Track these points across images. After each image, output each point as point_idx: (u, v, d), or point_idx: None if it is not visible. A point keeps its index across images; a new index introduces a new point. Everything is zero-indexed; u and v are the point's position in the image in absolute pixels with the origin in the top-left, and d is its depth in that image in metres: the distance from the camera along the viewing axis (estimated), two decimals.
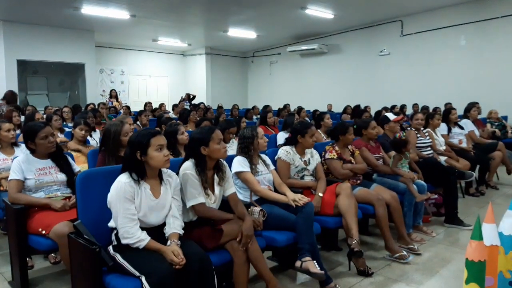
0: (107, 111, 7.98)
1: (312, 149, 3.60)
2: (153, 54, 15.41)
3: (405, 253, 3.45)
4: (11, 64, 10.69)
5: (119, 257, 2.19)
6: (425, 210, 4.51)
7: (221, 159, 2.65)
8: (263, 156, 3.29)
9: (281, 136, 5.10)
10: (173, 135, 3.79)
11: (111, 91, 12.22)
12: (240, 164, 3.04)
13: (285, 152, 3.39)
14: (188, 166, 2.49)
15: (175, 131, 3.79)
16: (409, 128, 5.17)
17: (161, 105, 11.81)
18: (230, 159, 3.12)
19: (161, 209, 2.33)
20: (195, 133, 2.60)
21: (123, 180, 2.21)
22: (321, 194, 3.27)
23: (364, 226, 4.15)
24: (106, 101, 12.42)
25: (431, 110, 8.81)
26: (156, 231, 2.30)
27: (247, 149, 3.10)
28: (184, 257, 2.15)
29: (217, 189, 2.60)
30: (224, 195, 2.66)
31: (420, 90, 11.56)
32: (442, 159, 5.33)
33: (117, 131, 3.34)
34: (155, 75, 15.48)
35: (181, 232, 2.33)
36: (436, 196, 4.74)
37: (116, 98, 12.12)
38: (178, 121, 5.56)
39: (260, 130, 3.16)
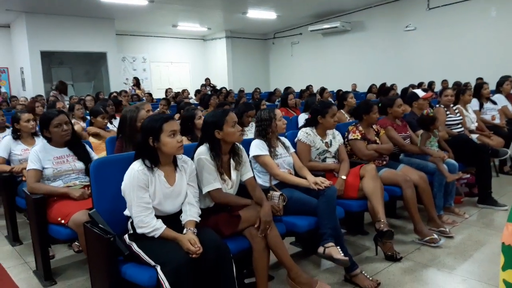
0: (129, 99, 7.97)
1: (334, 130, 3.45)
2: (174, 40, 15.35)
3: (435, 236, 3.29)
4: (35, 55, 10.83)
5: (134, 246, 2.13)
6: (456, 191, 4.31)
7: (237, 143, 2.54)
8: (283, 138, 3.17)
9: (302, 118, 4.94)
10: (190, 119, 3.70)
11: (133, 79, 12.26)
12: (258, 147, 2.93)
13: (305, 134, 3.25)
14: (202, 151, 2.39)
15: (192, 115, 3.70)
16: (437, 105, 4.91)
17: (183, 91, 11.77)
18: (248, 143, 3.02)
19: (176, 196, 2.25)
20: (208, 116, 2.50)
21: (136, 167, 2.13)
22: (344, 177, 3.13)
23: (392, 209, 3.98)
24: (129, 89, 12.52)
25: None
26: (172, 219, 2.23)
27: (265, 132, 2.98)
28: (200, 245, 2.08)
29: (233, 174, 2.50)
30: (242, 180, 2.56)
31: (448, 66, 11.06)
32: (474, 136, 5.06)
33: (133, 117, 3.29)
34: (176, 62, 15.44)
35: (198, 219, 2.25)
36: (468, 175, 4.50)
37: (138, 85, 12.16)
38: (197, 106, 5.50)
39: (278, 112, 3.03)
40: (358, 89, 12.96)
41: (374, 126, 3.80)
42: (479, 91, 5.76)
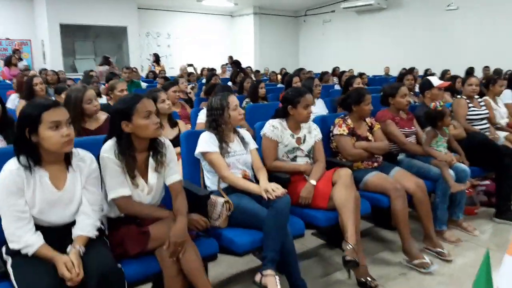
0: (132, 75, 7.57)
1: (311, 123, 2.87)
2: (200, 16, 14.83)
3: (426, 260, 2.67)
4: (55, 28, 10.69)
5: (9, 263, 1.71)
6: (470, 200, 3.63)
7: (160, 138, 2.04)
8: (242, 131, 2.62)
9: None
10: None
11: (152, 55, 11.93)
12: (205, 142, 2.41)
13: (271, 128, 2.69)
14: (107, 148, 1.91)
15: (154, 98, 3.22)
16: (459, 96, 4.17)
17: (203, 69, 11.31)
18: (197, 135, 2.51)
19: (67, 203, 1.79)
20: (117, 103, 2.01)
21: (8, 167, 1.68)
22: (313, 182, 2.56)
23: (386, 217, 3.36)
24: (149, 65, 12.23)
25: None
26: (62, 232, 1.78)
27: (216, 124, 2.45)
28: (82, 270, 1.62)
29: (152, 176, 2.01)
30: (166, 184, 2.07)
31: (494, 51, 9.91)
32: (502, 134, 4.28)
33: (78, 97, 2.85)
34: (202, 38, 14.93)
35: (91, 234, 1.78)
36: (487, 182, 3.80)
37: (158, 62, 11.81)
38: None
39: (233, 99, 2.48)
40: (391, 73, 12.04)
41: (367, 119, 3.18)
42: None
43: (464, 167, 3.21)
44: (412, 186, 2.87)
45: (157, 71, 11.34)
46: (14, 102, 5.00)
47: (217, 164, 2.37)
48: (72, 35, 12.38)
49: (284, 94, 2.81)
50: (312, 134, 2.80)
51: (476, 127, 4.05)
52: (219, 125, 2.44)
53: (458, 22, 10.76)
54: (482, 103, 4.24)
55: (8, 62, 9.70)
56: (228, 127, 2.48)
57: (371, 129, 3.15)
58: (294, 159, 2.73)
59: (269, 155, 2.67)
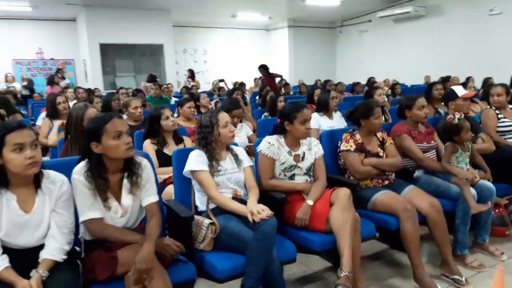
0: (160, 92, 7.68)
1: (312, 139, 2.70)
2: (236, 31, 14.95)
3: None
4: (95, 48, 11.15)
5: None
6: (501, 220, 3.29)
7: (137, 158, 1.97)
8: (237, 149, 2.51)
9: (315, 119, 4.15)
10: (156, 120, 3.21)
11: (187, 70, 12.13)
12: (194, 160, 2.32)
13: (267, 144, 2.56)
14: (77, 169, 1.86)
15: (157, 116, 3.20)
16: (488, 107, 3.84)
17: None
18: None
19: (35, 227, 1.75)
20: (87, 123, 1.96)
21: None
22: (311, 202, 2.39)
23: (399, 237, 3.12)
24: (185, 81, 12.44)
25: None
26: (30, 255, 1.74)
27: (205, 141, 2.36)
28: None
29: (126, 198, 1.93)
30: (142, 205, 1.99)
31: None
32: None
33: (79, 116, 2.86)
34: (238, 53, 15.03)
35: (58, 258, 1.73)
36: None
37: (193, 77, 11.99)
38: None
39: (223, 117, 2.37)
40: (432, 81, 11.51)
41: (378, 134, 2.97)
42: None
43: (489, 185, 2.91)
44: (426, 206, 2.63)
45: (191, 86, 11.54)
46: (41, 120, 5.21)
47: (205, 184, 2.27)
48: (113, 54, 12.87)
49: (281, 109, 2.68)
50: (312, 151, 2.64)
51: (510, 140, 3.71)
52: (208, 143, 2.35)
53: (503, 27, 10.10)
54: None
55: (51, 81, 10.21)
56: (219, 145, 2.37)
57: (382, 144, 2.94)
58: (292, 177, 2.58)
59: (264, 173, 2.53)
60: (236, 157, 2.45)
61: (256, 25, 15.25)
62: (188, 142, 3.35)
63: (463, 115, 2.97)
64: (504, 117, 3.76)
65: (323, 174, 2.59)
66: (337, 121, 4.20)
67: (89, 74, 11.48)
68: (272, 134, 2.67)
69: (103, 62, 12.08)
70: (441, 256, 2.69)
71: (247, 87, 12.36)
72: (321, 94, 4.33)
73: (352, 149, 2.81)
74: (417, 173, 3.11)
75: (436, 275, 2.68)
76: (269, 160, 2.53)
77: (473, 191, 2.81)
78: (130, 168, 1.94)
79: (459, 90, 3.43)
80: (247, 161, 2.48)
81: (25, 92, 11.19)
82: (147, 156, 2.20)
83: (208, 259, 2.06)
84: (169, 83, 11.35)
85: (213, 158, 2.34)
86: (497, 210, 3.30)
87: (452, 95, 3.45)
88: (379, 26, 13.49)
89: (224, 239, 2.14)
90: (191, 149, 2.43)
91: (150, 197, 1.98)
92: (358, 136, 2.89)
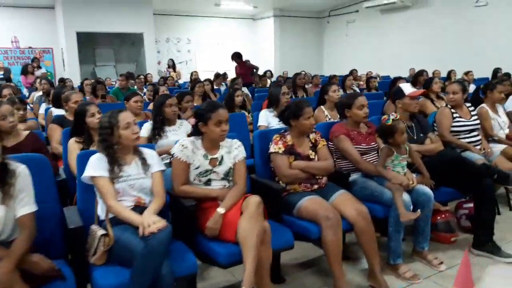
0: (127, 83, 7.44)
1: (234, 141, 2.52)
2: (221, 20, 14.67)
3: None
4: (71, 36, 10.89)
5: None
6: (447, 226, 3.13)
7: (11, 165, 1.79)
8: (147, 152, 2.33)
9: (264, 116, 3.96)
10: (81, 117, 3.01)
11: (168, 60, 11.89)
12: (92, 165, 2.14)
13: (180, 147, 2.37)
14: None
15: (82, 112, 3.00)
16: (444, 105, 3.66)
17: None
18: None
19: None
20: None
21: None
22: (222, 210, 2.22)
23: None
24: (164, 71, 12.22)
25: None
26: None
27: (106, 144, 2.18)
28: None
29: None
30: (16, 216, 1.81)
31: None
32: (497, 149, 3.73)
33: None
34: (223, 42, 14.74)
35: None
36: (471, 204, 3.27)
37: (174, 67, 11.76)
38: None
39: (124, 117, 2.19)
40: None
41: (311, 136, 2.79)
42: None
43: (426, 190, 2.74)
44: (352, 214, 2.46)
45: (175, 77, 11.29)
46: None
47: (103, 191, 2.10)
48: (93, 43, 12.62)
49: (196, 109, 2.49)
50: (232, 154, 2.45)
51: (464, 140, 3.55)
52: (109, 146, 2.17)
53: (488, 19, 9.89)
54: (474, 112, 3.70)
55: (25, 71, 9.99)
56: (121, 148, 2.19)
57: (314, 146, 2.76)
58: (208, 183, 2.39)
59: (176, 178, 2.35)
60: (144, 161, 2.27)
61: (242, 14, 14.98)
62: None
63: (398, 116, 2.78)
64: (460, 116, 3.59)
65: (242, 179, 2.41)
66: None
67: (66, 64, 11.23)
68: (189, 135, 2.49)
69: (83, 51, 11.85)
70: (368, 267, 2.53)
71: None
72: (272, 89, 4.13)
73: (281, 151, 2.63)
74: (355, 176, 2.93)
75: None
76: (182, 164, 2.35)
77: (408, 197, 2.64)
78: (2, 177, 1.76)
79: (406, 88, 3.24)
80: (157, 166, 2.30)
81: (1, 82, 10.98)
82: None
83: (94, 275, 1.90)
84: (148, 73, 11.13)
85: (114, 163, 2.16)
86: (443, 215, 3.14)
87: (399, 94, 3.25)
88: (366, 16, 13.25)
89: (116, 251, 1.98)
90: (92, 152, 2.25)
91: (24, 207, 1.80)
92: (288, 138, 2.71)
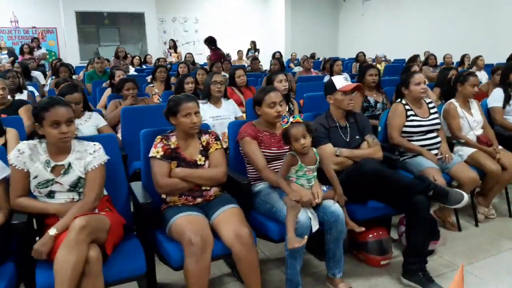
0: (105, 65, 7.09)
1: (96, 144, 2.12)
2: None
3: None
4: (70, 15, 10.69)
5: None
6: (379, 246, 2.64)
7: None
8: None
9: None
10: None
11: (169, 40, 11.50)
12: None
13: (17, 153, 1.99)
14: None
15: None
16: (398, 100, 3.10)
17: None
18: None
19: None
20: None
21: None
22: (53, 231, 1.82)
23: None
24: (165, 52, 11.86)
25: None
26: None
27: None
28: None
29: None
30: None
31: None
32: (466, 152, 3.16)
33: None
34: (232, 22, 14.17)
35: None
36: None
37: (175, 49, 11.37)
38: None
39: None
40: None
41: (203, 138, 2.35)
42: (508, 75, 3.63)
43: (334, 208, 2.26)
44: (229, 236, 2.03)
45: (174, 59, 10.92)
46: None
47: None
48: (96, 22, 12.41)
49: (35, 104, 2.09)
50: (85, 160, 2.05)
51: (417, 142, 3.00)
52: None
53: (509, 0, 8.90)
54: (434, 110, 3.13)
55: (21, 51, 9.90)
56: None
57: (206, 150, 2.32)
58: (51, 195, 2.01)
59: (13, 189, 1.99)
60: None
61: None
62: (11, 134, 2.82)
63: (298, 118, 2.28)
64: (415, 115, 3.04)
65: (92, 192, 2.01)
66: (227, 110, 3.56)
67: (65, 44, 11.08)
68: (30, 137, 2.12)
69: (86, 30, 11.69)
70: None
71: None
72: (206, 78, 3.68)
73: (159, 156, 2.21)
74: (261, 186, 2.48)
75: None
76: (19, 172, 1.98)
77: (306, 217, 2.16)
78: None
79: (339, 81, 2.71)
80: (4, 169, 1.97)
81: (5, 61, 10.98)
82: None
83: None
84: (148, 54, 10.84)
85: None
86: (375, 234, 2.65)
87: (330, 88, 2.73)
88: None
89: None
90: None
91: None
92: (173, 139, 2.28)
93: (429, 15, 11.08)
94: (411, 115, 3.02)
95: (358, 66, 9.12)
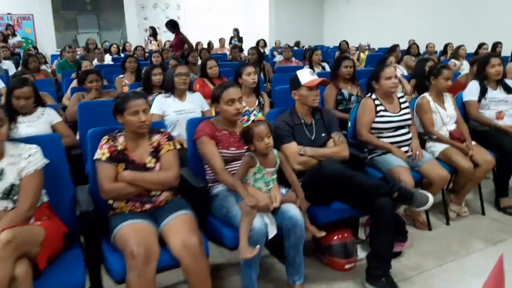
0: (75, 55, 6.82)
1: (30, 147, 1.95)
2: None
3: None
4: (45, 2, 10.34)
5: None
6: (344, 249, 2.53)
7: None
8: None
9: (158, 102, 3.32)
10: None
11: (149, 28, 11.20)
12: None
13: None
14: None
15: None
16: (368, 95, 2.98)
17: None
18: None
19: None
20: None
21: None
22: None
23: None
24: (145, 39, 11.56)
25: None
26: None
27: None
28: None
29: None
30: None
31: None
32: (437, 149, 3.06)
33: None
34: (216, 9, 13.87)
35: None
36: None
37: (155, 36, 11.07)
38: None
39: None
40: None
41: (155, 137, 2.19)
42: (484, 67, 3.50)
43: (293, 212, 2.13)
44: (177, 246, 1.88)
45: (155, 47, 10.63)
46: None
47: None
48: (74, 8, 12.05)
49: None
50: (18, 166, 1.89)
51: (387, 139, 2.89)
52: None
53: None
54: (406, 105, 3.01)
55: None
56: None
57: (157, 151, 2.17)
58: None
59: None
60: None
61: None
62: None
63: (260, 115, 2.15)
64: (385, 110, 2.91)
65: (27, 200, 1.85)
66: (192, 103, 3.39)
67: (40, 31, 10.73)
68: None
69: (64, 17, 11.32)
70: None
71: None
72: (169, 69, 3.50)
73: (104, 158, 2.06)
74: (220, 188, 2.34)
75: None
76: None
77: (261, 223, 2.03)
78: None
79: (303, 76, 2.56)
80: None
81: None
82: None
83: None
84: (127, 42, 10.55)
85: None
86: (340, 236, 2.54)
87: (296, 82, 2.59)
88: None
89: None
90: None
91: None
92: (121, 140, 2.13)
93: (415, 3, 10.95)
94: (381, 110, 2.89)
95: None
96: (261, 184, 2.16)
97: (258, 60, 5.76)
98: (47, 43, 10.08)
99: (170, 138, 2.22)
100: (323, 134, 2.62)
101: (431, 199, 2.23)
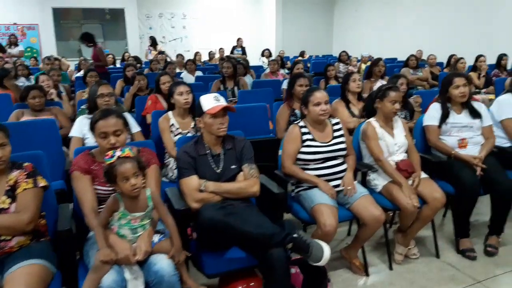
0: (53, 66, 6.71)
1: None
2: None
3: None
4: (47, 12, 10.41)
5: None
6: None
7: None
8: None
9: (78, 124, 3.06)
10: None
11: (149, 38, 11.12)
12: None
13: None
14: None
15: None
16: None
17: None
18: None
19: None
20: None
21: None
22: None
23: None
24: (146, 50, 11.49)
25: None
26: None
27: None
28: None
29: None
30: None
31: None
32: (381, 182, 2.69)
33: None
34: (221, 18, 13.69)
35: None
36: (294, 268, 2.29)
37: (155, 46, 10.97)
38: None
39: None
40: (424, 57, 9.78)
41: (12, 174, 1.92)
42: (447, 88, 3.08)
43: (160, 266, 1.80)
44: None
45: (153, 56, 10.52)
46: None
47: None
48: (79, 18, 12.14)
49: None
50: None
51: (313, 172, 2.54)
52: None
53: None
54: (340, 133, 2.65)
55: None
56: None
57: (12, 190, 1.90)
58: None
59: None
60: None
61: None
62: None
63: (127, 151, 1.84)
64: (313, 139, 2.57)
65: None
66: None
67: (42, 41, 10.83)
68: None
69: (67, 26, 11.42)
70: None
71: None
72: (91, 88, 3.25)
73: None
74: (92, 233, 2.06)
75: None
76: None
77: (130, 275, 1.74)
78: None
79: (206, 102, 2.25)
80: None
81: None
82: None
83: None
84: (126, 52, 10.51)
85: None
86: (245, 286, 2.19)
87: (199, 109, 2.28)
88: None
89: None
90: None
91: None
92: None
93: (425, 13, 10.45)
94: (308, 139, 2.54)
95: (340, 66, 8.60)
96: (126, 231, 1.86)
97: (233, 74, 5.47)
98: (48, 52, 10.12)
99: (30, 174, 1.95)
100: (232, 166, 2.30)
101: (326, 254, 1.86)
